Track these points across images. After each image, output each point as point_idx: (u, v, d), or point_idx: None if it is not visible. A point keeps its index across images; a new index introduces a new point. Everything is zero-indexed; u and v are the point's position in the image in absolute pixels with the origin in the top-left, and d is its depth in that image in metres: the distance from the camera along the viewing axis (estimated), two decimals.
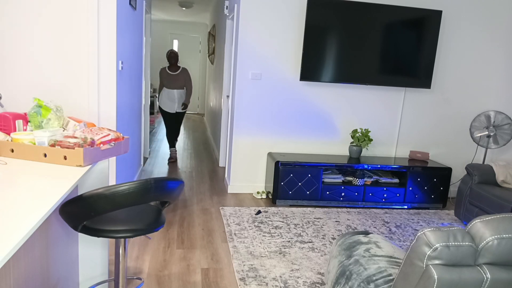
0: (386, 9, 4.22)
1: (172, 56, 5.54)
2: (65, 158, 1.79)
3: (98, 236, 1.64)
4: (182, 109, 5.68)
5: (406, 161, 4.50)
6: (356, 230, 3.10)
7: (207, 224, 3.58)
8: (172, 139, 5.92)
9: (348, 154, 4.61)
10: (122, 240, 1.84)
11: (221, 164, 5.69)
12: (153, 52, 11.02)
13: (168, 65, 5.64)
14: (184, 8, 8.76)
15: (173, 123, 5.82)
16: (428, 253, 1.36)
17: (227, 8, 5.35)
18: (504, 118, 4.25)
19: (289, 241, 3.29)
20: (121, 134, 2.10)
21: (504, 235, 1.35)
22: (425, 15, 4.31)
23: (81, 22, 2.96)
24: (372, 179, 4.34)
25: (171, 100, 5.61)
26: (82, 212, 1.56)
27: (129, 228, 1.66)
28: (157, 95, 5.25)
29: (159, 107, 5.68)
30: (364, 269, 1.89)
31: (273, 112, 4.42)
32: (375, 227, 3.74)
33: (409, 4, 4.37)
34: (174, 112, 5.68)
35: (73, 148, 1.80)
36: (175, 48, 11.40)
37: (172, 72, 5.57)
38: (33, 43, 2.93)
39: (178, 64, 5.70)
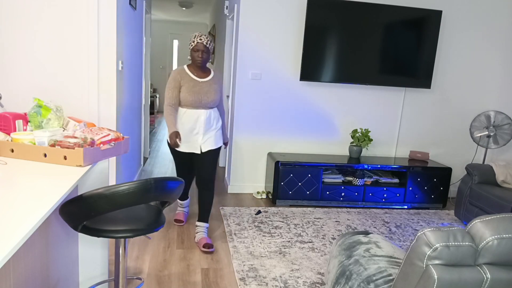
0: (386, 9, 4.22)
1: (205, 51, 2.95)
2: (65, 158, 1.79)
3: (98, 236, 1.64)
4: (225, 146, 3.36)
5: (406, 161, 4.50)
6: (356, 230, 3.09)
7: None
8: (185, 193, 3.56)
9: (348, 154, 4.61)
10: (122, 240, 1.84)
11: (221, 164, 5.69)
12: (153, 52, 11.02)
13: (189, 64, 3.06)
14: (184, 8, 8.76)
15: (194, 170, 3.29)
16: (428, 253, 1.36)
17: (227, 8, 5.35)
18: (504, 118, 4.25)
19: (289, 241, 3.29)
20: (121, 134, 2.10)
21: (504, 235, 1.35)
22: (425, 15, 4.31)
23: (81, 22, 2.96)
24: (372, 179, 4.34)
25: (192, 131, 3.02)
26: (82, 212, 1.56)
27: (129, 228, 1.66)
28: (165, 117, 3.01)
29: (168, 143, 3.06)
30: (364, 269, 1.89)
31: (273, 112, 4.42)
32: (375, 227, 3.73)
33: (409, 4, 4.37)
34: (200, 152, 3.06)
35: (73, 148, 1.80)
36: (175, 48, 11.36)
37: (200, 78, 3.00)
38: (33, 43, 2.93)
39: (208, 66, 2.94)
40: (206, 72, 3.07)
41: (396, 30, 4.29)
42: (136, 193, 1.52)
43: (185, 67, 3.04)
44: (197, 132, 3.03)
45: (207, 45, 2.93)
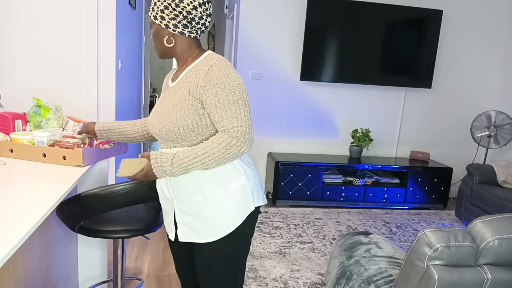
0: (386, 8, 4.21)
1: (153, 30, 1.44)
2: (64, 158, 1.78)
3: (95, 237, 1.63)
4: None
5: (406, 161, 4.49)
6: (356, 231, 3.08)
7: None
8: None
9: (349, 154, 4.60)
10: (120, 240, 1.83)
11: None
12: (152, 52, 11.02)
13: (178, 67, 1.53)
14: None
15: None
16: (428, 254, 1.36)
17: (227, 8, 5.34)
18: (505, 118, 4.23)
19: (289, 242, 3.28)
20: None
21: (505, 235, 1.34)
22: (426, 15, 4.30)
23: (80, 21, 2.95)
24: (372, 179, 4.33)
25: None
26: (78, 212, 1.55)
27: (126, 229, 1.65)
28: None
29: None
30: (365, 270, 1.88)
31: (273, 112, 4.41)
32: (375, 228, 3.73)
33: (410, 3, 4.36)
34: (174, 238, 1.53)
35: (72, 148, 1.79)
36: None
37: (174, 81, 1.48)
38: (32, 42, 2.93)
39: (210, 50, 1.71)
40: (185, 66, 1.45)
41: (397, 30, 4.28)
42: (132, 193, 1.51)
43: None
44: (169, 195, 1.46)
45: (153, 18, 1.39)
